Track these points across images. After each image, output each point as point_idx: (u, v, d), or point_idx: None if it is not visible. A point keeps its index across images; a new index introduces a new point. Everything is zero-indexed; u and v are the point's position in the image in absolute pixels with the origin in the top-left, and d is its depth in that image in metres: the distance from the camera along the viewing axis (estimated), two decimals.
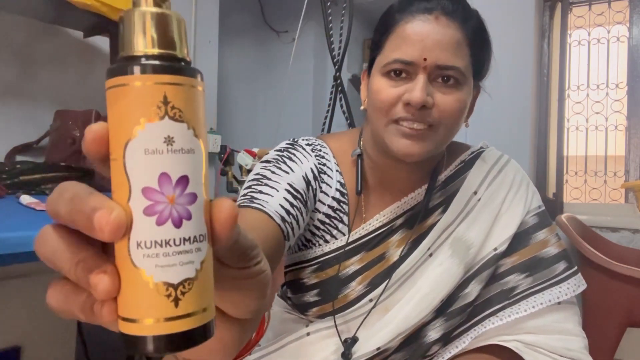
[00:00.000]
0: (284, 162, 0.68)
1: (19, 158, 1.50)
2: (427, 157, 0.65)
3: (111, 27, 1.58)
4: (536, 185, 0.78)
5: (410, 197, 0.73)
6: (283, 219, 0.60)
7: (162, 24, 0.24)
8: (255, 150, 1.97)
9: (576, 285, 0.69)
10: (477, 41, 0.64)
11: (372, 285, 0.70)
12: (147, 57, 0.23)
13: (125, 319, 0.23)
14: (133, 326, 0.22)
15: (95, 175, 1.36)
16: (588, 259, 1.63)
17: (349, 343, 0.69)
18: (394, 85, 0.62)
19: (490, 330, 0.69)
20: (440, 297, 0.67)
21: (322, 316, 0.72)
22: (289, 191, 0.64)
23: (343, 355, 0.68)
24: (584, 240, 1.66)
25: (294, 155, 0.70)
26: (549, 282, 0.69)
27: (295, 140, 0.74)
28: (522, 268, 0.70)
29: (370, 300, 0.70)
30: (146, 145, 0.22)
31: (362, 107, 0.70)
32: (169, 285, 0.22)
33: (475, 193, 0.72)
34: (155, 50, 0.23)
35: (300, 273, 0.73)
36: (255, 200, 0.60)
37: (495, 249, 0.70)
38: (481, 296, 0.70)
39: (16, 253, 0.65)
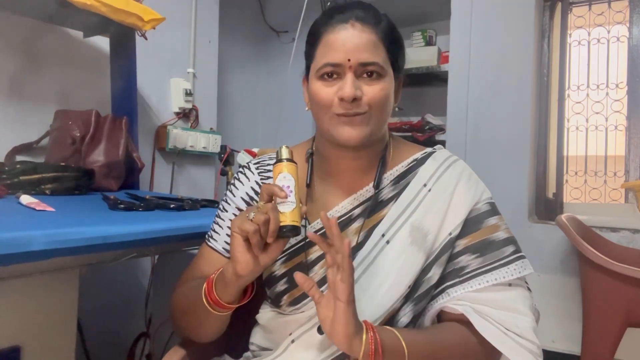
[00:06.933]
0: (230, 191, 0.86)
1: (19, 158, 1.50)
2: (367, 140, 0.75)
3: (111, 27, 1.58)
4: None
5: (365, 190, 0.81)
6: (229, 251, 0.79)
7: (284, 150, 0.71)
8: (255, 150, 1.97)
9: (522, 268, 0.75)
10: (390, 39, 0.76)
11: None
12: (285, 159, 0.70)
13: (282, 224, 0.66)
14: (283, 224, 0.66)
15: (95, 175, 1.36)
16: (588, 259, 1.62)
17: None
18: (328, 86, 0.74)
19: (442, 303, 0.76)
20: (407, 283, 0.74)
21: (293, 302, 0.78)
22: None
23: (319, 329, 0.73)
24: (584, 240, 1.66)
25: (238, 179, 0.87)
26: (497, 263, 0.75)
27: (249, 162, 0.90)
28: (473, 249, 0.76)
29: None
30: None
31: (306, 109, 0.82)
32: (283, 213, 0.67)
33: (424, 185, 0.80)
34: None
35: (272, 267, 0.80)
36: (211, 240, 0.84)
37: (450, 234, 0.76)
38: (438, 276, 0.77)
39: (16, 253, 0.65)
